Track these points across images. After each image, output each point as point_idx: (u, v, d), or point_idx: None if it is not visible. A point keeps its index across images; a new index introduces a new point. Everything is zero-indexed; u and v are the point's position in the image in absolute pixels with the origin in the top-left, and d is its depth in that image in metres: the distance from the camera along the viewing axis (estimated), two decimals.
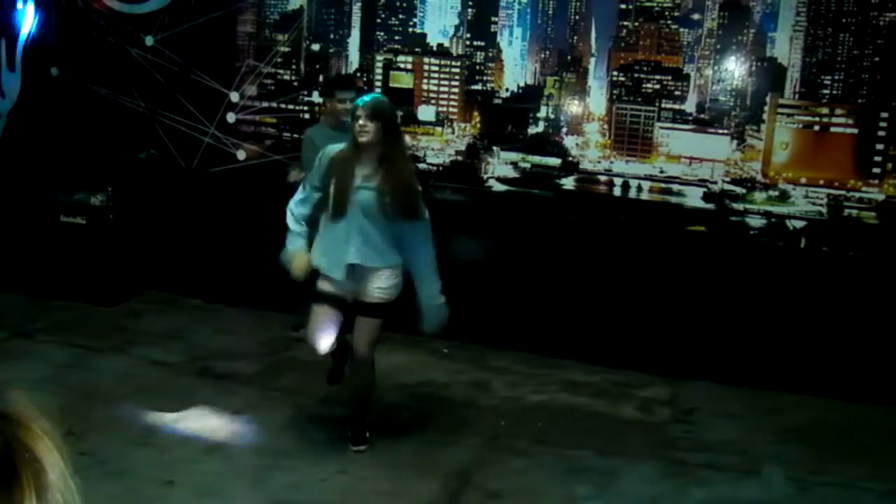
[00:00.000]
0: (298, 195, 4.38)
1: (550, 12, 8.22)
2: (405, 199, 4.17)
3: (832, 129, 7.11)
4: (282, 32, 7.68)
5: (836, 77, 7.08)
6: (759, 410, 5.20)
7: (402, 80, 7.76)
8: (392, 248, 4.24)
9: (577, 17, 8.15)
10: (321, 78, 7.83)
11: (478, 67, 8.13)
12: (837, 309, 5.46)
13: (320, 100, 6.84)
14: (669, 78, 7.87)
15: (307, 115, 7.73)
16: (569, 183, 7.75)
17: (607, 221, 6.86)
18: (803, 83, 7.22)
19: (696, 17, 7.81)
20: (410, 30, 7.99)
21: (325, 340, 4.32)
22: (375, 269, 4.23)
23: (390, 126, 4.26)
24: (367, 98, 4.26)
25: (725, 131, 7.54)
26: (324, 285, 4.31)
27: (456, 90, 7.88)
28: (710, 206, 7.20)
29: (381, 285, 4.26)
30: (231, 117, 6.68)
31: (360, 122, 4.12)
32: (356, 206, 4.16)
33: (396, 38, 7.99)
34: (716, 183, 7.33)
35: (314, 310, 4.34)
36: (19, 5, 6.78)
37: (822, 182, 7.07)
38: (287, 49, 7.68)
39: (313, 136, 5.33)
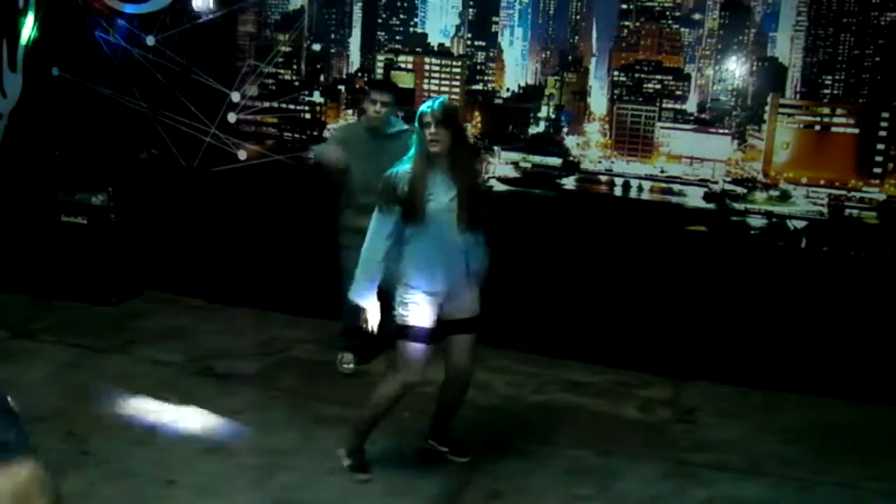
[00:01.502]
0: (379, 228, 3.94)
1: (551, 12, 8.22)
2: (477, 207, 3.94)
3: (833, 129, 7.11)
4: (283, 32, 7.69)
5: (838, 77, 7.07)
6: (760, 410, 5.20)
7: (403, 81, 7.77)
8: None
9: (577, 17, 8.14)
10: (322, 78, 7.84)
11: (479, 67, 8.14)
12: (838, 309, 5.46)
13: (321, 100, 6.84)
14: (670, 78, 7.87)
15: (308, 115, 7.74)
16: (570, 183, 7.75)
17: (608, 221, 6.86)
18: (804, 83, 7.22)
19: (697, 16, 7.81)
20: (411, 30, 7.99)
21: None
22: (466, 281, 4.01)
23: (459, 131, 3.98)
24: (434, 103, 3.88)
25: (726, 131, 7.54)
26: (421, 313, 3.96)
27: (457, 90, 7.88)
28: (711, 205, 7.20)
29: (474, 297, 4.08)
30: (232, 117, 6.68)
31: (431, 130, 3.81)
32: (437, 220, 3.88)
33: (397, 38, 8.00)
34: (717, 183, 7.33)
35: (410, 348, 3.97)
36: (20, 5, 6.78)
37: (822, 182, 7.07)
38: (288, 49, 7.69)
39: (346, 136, 5.32)
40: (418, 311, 3.95)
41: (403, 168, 3.91)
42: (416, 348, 3.97)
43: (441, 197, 3.88)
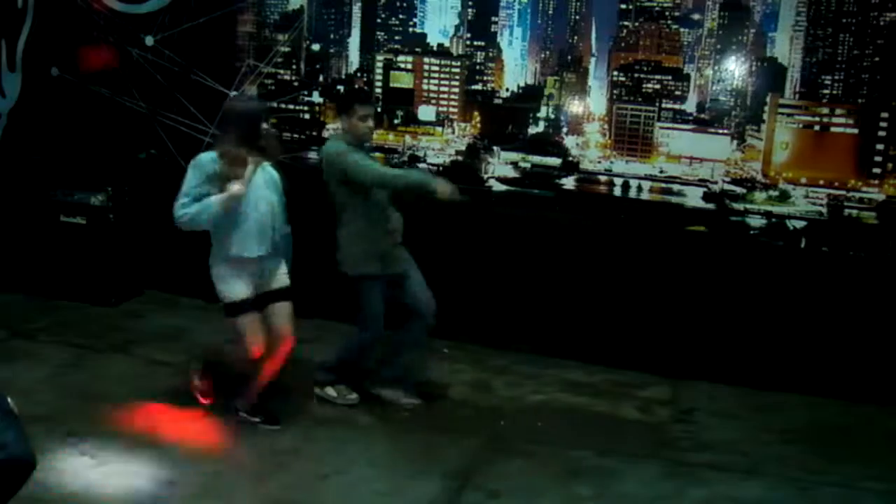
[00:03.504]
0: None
1: (551, 12, 8.24)
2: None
3: (832, 129, 7.14)
4: (282, 32, 7.72)
5: (837, 77, 7.11)
6: (759, 410, 5.19)
7: (403, 80, 7.78)
8: None
9: (577, 18, 8.17)
10: (321, 78, 7.85)
11: (478, 67, 8.16)
12: (837, 309, 5.46)
13: (320, 100, 6.83)
14: (669, 78, 7.90)
15: (307, 115, 7.75)
16: (569, 183, 7.77)
17: (607, 221, 6.87)
18: (803, 83, 7.25)
19: (696, 17, 7.84)
20: (411, 30, 8.01)
21: None
22: None
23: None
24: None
25: (726, 131, 7.57)
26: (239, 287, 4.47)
27: (456, 90, 7.89)
28: (711, 205, 7.22)
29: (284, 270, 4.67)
30: None
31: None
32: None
33: (397, 38, 8.01)
34: (716, 183, 7.35)
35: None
36: (19, 5, 6.78)
37: (822, 182, 7.10)
38: (287, 49, 7.70)
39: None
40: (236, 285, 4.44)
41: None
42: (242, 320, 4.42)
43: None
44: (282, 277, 4.57)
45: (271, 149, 4.56)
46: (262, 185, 4.45)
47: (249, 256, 4.41)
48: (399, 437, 4.62)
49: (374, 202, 4.69)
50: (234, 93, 6.64)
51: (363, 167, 4.57)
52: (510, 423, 4.90)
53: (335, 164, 4.64)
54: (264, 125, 4.54)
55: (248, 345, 4.42)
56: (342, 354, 4.94)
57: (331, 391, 4.96)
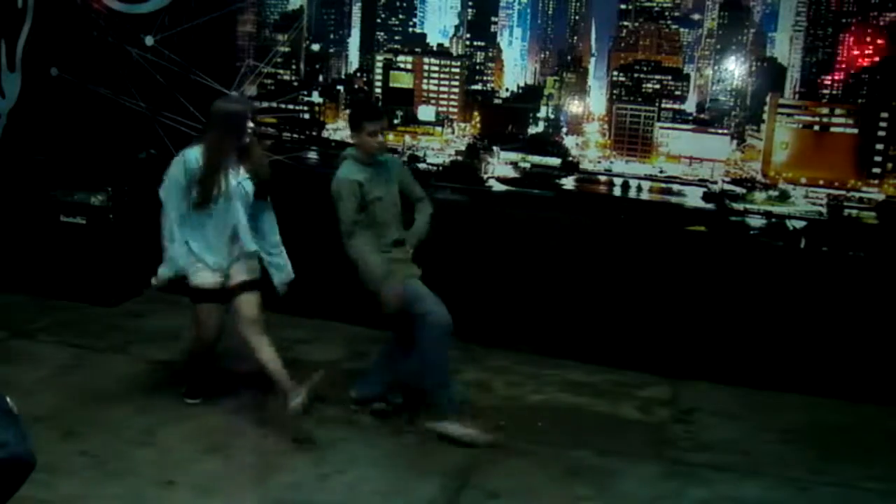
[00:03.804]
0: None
1: (550, 12, 8.24)
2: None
3: (832, 129, 7.14)
4: (282, 32, 7.71)
5: (836, 77, 7.10)
6: (759, 410, 5.19)
7: (402, 80, 7.78)
8: None
9: (577, 18, 8.16)
10: (321, 78, 7.85)
11: (478, 67, 8.15)
12: (837, 309, 5.46)
13: (320, 100, 6.83)
14: (669, 78, 7.90)
15: (307, 115, 7.74)
16: (569, 183, 7.77)
17: (607, 221, 6.87)
18: (803, 83, 7.25)
19: (696, 17, 7.83)
20: (410, 30, 8.01)
21: None
22: None
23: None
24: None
25: (725, 131, 7.56)
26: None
27: (456, 90, 7.89)
28: (710, 206, 7.22)
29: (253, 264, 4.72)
30: None
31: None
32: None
33: (396, 38, 8.00)
34: (716, 183, 7.35)
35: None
36: (19, 5, 6.77)
37: (821, 182, 7.09)
38: (287, 49, 7.70)
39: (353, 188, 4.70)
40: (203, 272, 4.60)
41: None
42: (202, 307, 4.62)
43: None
44: (250, 271, 4.67)
45: (255, 158, 4.61)
46: (232, 198, 4.52)
47: (209, 265, 4.60)
48: (399, 437, 4.62)
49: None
50: (234, 93, 6.64)
51: (343, 219, 4.59)
52: (510, 423, 4.90)
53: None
54: (250, 125, 4.56)
55: (201, 332, 4.65)
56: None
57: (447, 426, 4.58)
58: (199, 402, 4.83)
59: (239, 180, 4.54)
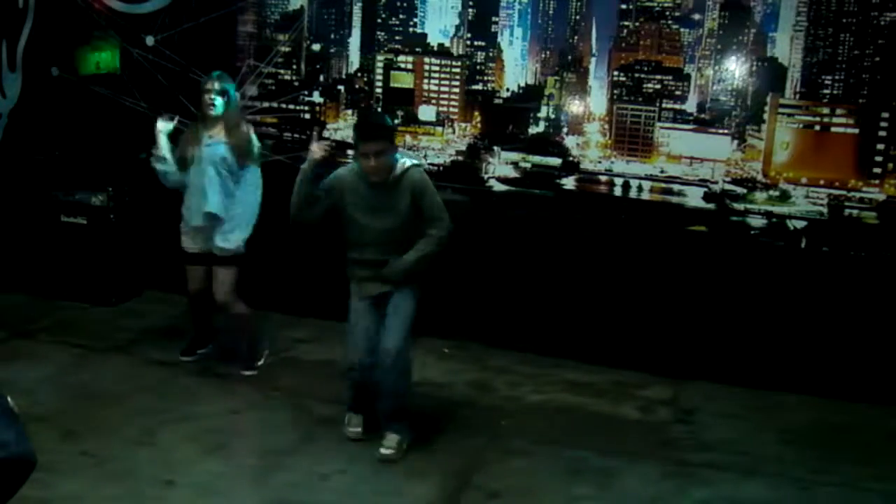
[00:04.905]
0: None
1: (551, 12, 8.24)
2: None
3: (833, 129, 7.13)
4: (282, 32, 7.71)
5: (837, 77, 7.09)
6: (760, 410, 5.20)
7: (403, 80, 7.77)
8: None
9: (577, 17, 8.16)
10: (321, 78, 7.85)
11: (478, 67, 8.15)
12: (838, 309, 5.46)
13: (321, 100, 6.83)
14: (670, 78, 7.89)
15: (308, 115, 7.74)
16: (569, 183, 7.76)
17: (608, 221, 6.87)
18: (804, 83, 7.24)
19: (696, 17, 7.83)
20: (411, 30, 8.00)
21: None
22: None
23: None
24: (214, 74, 5.15)
25: (726, 131, 7.55)
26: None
27: (456, 90, 7.88)
28: (711, 205, 7.22)
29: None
30: None
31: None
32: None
33: (397, 38, 8.00)
34: (716, 183, 7.35)
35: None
36: (20, 5, 6.77)
37: (822, 182, 7.09)
38: (287, 49, 7.69)
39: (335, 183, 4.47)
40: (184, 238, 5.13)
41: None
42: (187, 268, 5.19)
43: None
44: (225, 244, 5.07)
45: (234, 131, 5.04)
46: (205, 160, 4.99)
47: (190, 224, 5.10)
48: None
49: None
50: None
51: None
52: (510, 423, 4.90)
53: None
54: (210, 96, 5.08)
55: (187, 287, 5.25)
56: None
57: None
58: (193, 360, 5.39)
59: (209, 143, 5.00)
